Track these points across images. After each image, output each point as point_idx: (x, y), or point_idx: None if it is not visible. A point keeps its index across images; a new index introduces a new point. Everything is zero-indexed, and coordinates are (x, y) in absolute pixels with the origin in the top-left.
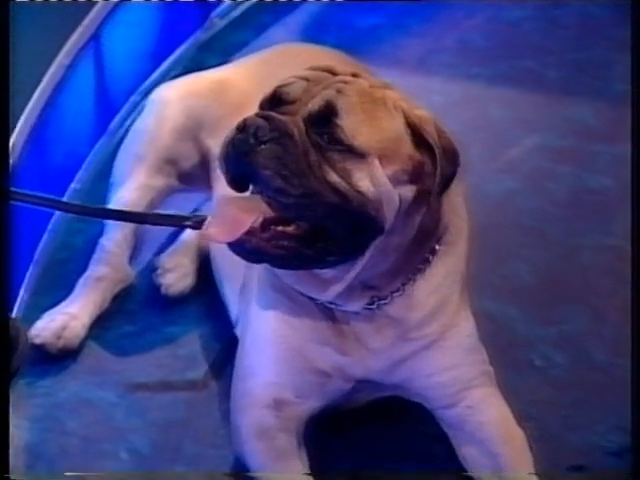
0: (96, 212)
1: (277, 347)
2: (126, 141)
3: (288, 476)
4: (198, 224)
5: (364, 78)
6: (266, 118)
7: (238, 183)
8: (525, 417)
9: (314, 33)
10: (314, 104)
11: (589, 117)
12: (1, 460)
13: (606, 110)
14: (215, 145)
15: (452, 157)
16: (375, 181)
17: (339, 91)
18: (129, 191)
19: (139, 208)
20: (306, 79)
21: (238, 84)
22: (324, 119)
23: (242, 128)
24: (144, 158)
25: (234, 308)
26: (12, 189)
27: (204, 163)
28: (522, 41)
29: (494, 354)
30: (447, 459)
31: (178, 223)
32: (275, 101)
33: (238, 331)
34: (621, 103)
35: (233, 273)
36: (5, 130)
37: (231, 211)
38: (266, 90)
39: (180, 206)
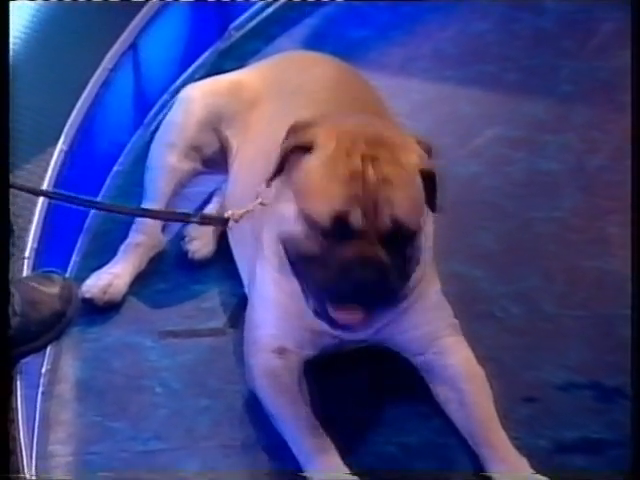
0: (120, 210)
1: (278, 311)
2: (159, 132)
3: (332, 475)
4: (202, 220)
5: (387, 137)
6: (365, 262)
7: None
8: (486, 359)
9: (314, 43)
10: (384, 226)
11: (540, 112)
12: (1, 460)
13: (554, 107)
14: (232, 135)
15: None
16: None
17: (388, 182)
18: (162, 173)
19: (170, 187)
20: (358, 197)
21: (251, 84)
22: (395, 235)
23: (349, 273)
24: (174, 146)
25: (244, 272)
26: (51, 190)
27: (223, 150)
28: (485, 49)
29: (462, 308)
30: (422, 393)
31: (185, 219)
32: (344, 230)
33: (247, 290)
34: (566, 101)
35: (243, 244)
36: (5, 122)
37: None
38: (273, 89)
39: (205, 185)
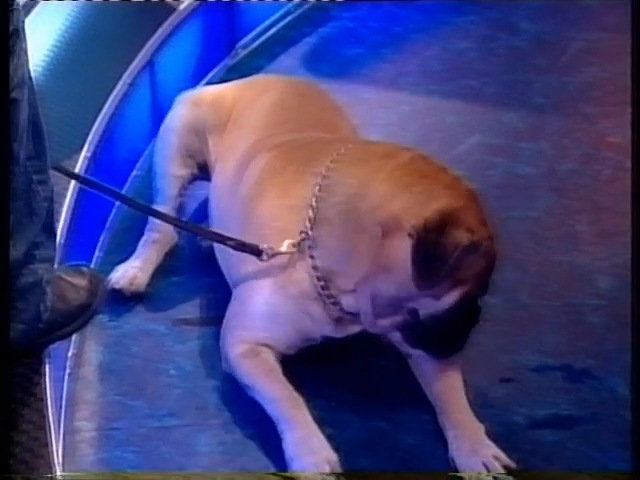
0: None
1: (271, 316)
2: (158, 140)
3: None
4: (237, 245)
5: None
6: None
7: None
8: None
9: (312, 60)
10: None
11: (516, 122)
12: (1, 460)
13: (529, 117)
14: (212, 144)
15: None
16: None
17: None
18: (166, 182)
19: (172, 193)
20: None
21: (228, 98)
22: None
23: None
24: (171, 156)
25: (227, 267)
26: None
27: (209, 157)
28: (467, 66)
29: None
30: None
31: (222, 241)
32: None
33: (232, 286)
34: (540, 112)
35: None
36: (5, 125)
37: None
38: (237, 113)
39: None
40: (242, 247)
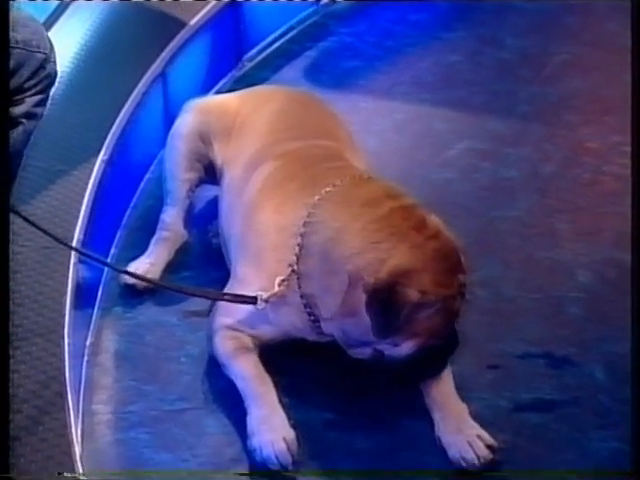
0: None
1: (257, 311)
2: (167, 146)
3: None
4: (233, 299)
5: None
6: None
7: None
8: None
9: (313, 72)
10: None
11: (502, 129)
12: (1, 460)
13: (514, 124)
14: (218, 150)
15: None
16: None
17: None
18: (175, 185)
19: (181, 195)
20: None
21: (233, 107)
22: None
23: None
24: (179, 161)
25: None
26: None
27: (215, 161)
28: (456, 76)
29: None
30: None
31: (218, 298)
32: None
33: (232, 269)
34: (524, 119)
35: (231, 220)
36: (4, 126)
37: None
38: (242, 122)
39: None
40: (238, 299)
